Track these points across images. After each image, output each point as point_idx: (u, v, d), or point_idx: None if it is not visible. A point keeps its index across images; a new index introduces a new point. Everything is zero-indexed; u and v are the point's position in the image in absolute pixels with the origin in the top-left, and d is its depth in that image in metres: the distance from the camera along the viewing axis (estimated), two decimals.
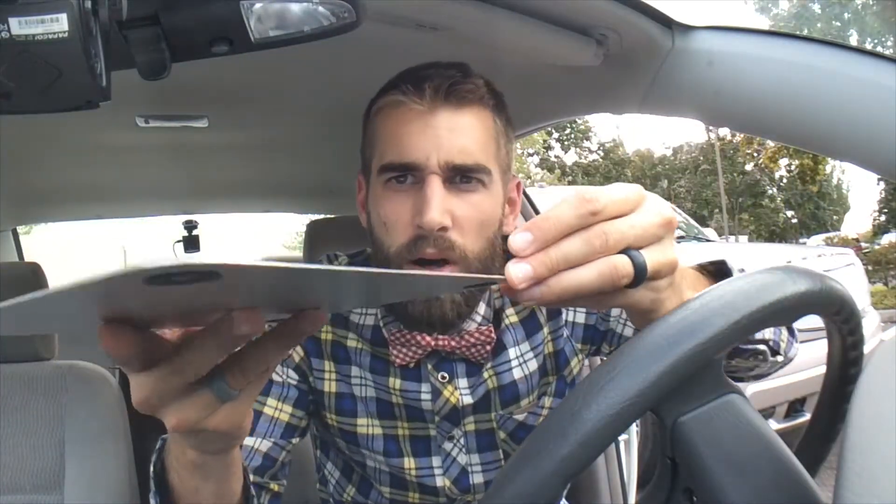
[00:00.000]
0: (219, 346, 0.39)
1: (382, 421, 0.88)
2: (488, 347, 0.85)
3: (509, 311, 0.90)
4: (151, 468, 0.60)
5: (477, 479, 0.90)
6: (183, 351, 0.39)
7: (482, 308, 0.87)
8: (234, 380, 0.41)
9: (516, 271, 0.43)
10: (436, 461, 0.89)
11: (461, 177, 0.77)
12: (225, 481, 0.56)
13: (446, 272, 0.76)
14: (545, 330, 0.90)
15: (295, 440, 0.86)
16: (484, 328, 0.85)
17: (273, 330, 0.41)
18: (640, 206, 0.47)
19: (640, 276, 0.45)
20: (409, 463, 0.88)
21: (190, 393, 0.41)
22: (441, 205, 0.74)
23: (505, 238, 0.88)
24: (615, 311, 0.90)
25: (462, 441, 0.89)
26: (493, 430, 0.90)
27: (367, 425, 0.88)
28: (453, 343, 0.84)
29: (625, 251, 0.45)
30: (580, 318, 0.91)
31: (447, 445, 0.89)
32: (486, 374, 0.88)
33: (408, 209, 0.77)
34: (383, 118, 0.80)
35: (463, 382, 0.87)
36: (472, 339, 0.84)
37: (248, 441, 0.81)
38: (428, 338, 0.83)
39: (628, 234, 0.45)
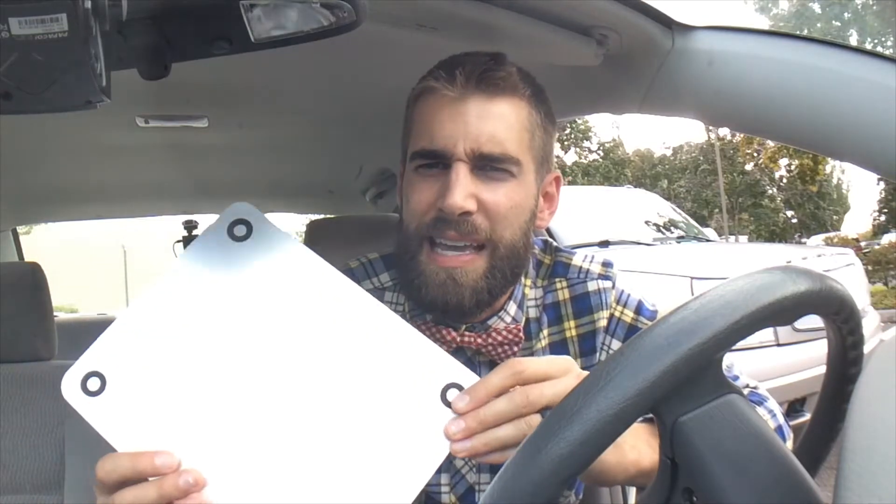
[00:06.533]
0: None
1: None
2: (515, 348, 0.82)
3: (545, 331, 0.86)
4: None
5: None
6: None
7: (512, 308, 0.84)
8: None
9: (452, 427, 0.56)
10: (444, 478, 0.86)
11: (490, 166, 0.76)
12: None
13: (468, 257, 0.75)
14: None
15: None
16: (513, 327, 0.82)
17: None
18: (567, 373, 0.60)
19: None
20: None
21: None
22: (465, 189, 0.73)
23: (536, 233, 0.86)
24: None
25: (473, 460, 0.86)
26: None
27: None
28: (479, 340, 0.81)
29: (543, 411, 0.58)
30: None
31: (458, 462, 0.86)
32: None
33: (433, 192, 0.76)
34: (419, 105, 0.80)
35: None
36: (500, 338, 0.81)
37: None
38: (454, 332, 0.80)
39: (546, 394, 0.58)
